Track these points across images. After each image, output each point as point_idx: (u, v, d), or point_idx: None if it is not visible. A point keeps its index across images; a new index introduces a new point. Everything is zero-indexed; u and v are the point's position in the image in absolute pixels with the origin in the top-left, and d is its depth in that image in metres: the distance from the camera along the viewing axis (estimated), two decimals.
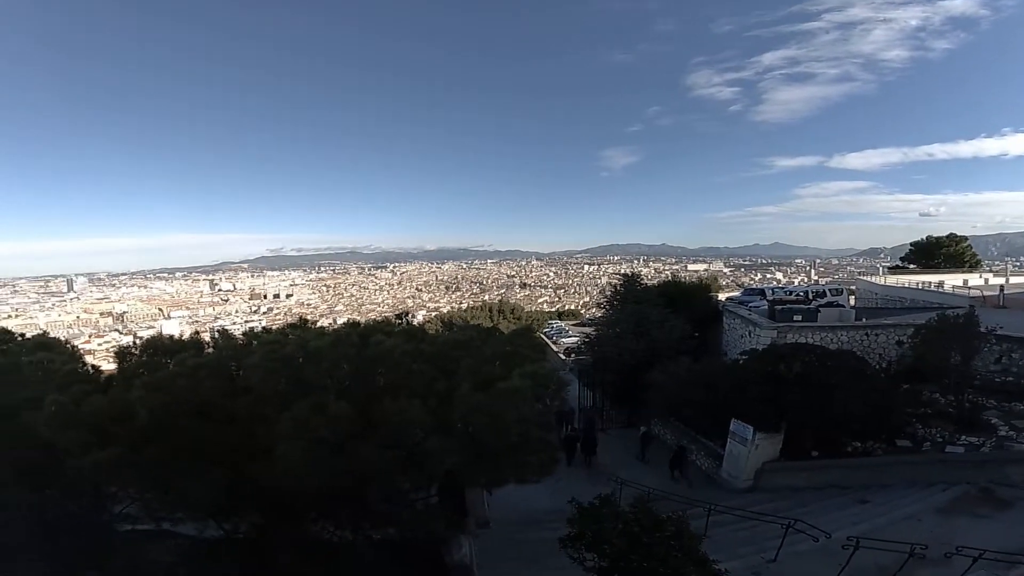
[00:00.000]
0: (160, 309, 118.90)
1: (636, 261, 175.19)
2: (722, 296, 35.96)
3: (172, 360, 10.14)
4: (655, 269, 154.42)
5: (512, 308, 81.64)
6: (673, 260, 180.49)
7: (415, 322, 14.32)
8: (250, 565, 10.68)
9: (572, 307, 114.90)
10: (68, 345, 12.52)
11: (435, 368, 9.99)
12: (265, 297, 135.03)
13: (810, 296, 28.03)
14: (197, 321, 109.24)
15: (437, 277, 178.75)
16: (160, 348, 11.03)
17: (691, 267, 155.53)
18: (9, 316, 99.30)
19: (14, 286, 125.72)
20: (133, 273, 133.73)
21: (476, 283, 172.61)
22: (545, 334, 47.15)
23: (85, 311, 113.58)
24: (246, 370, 9.37)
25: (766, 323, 23.53)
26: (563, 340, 45.02)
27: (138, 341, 11.63)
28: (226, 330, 13.09)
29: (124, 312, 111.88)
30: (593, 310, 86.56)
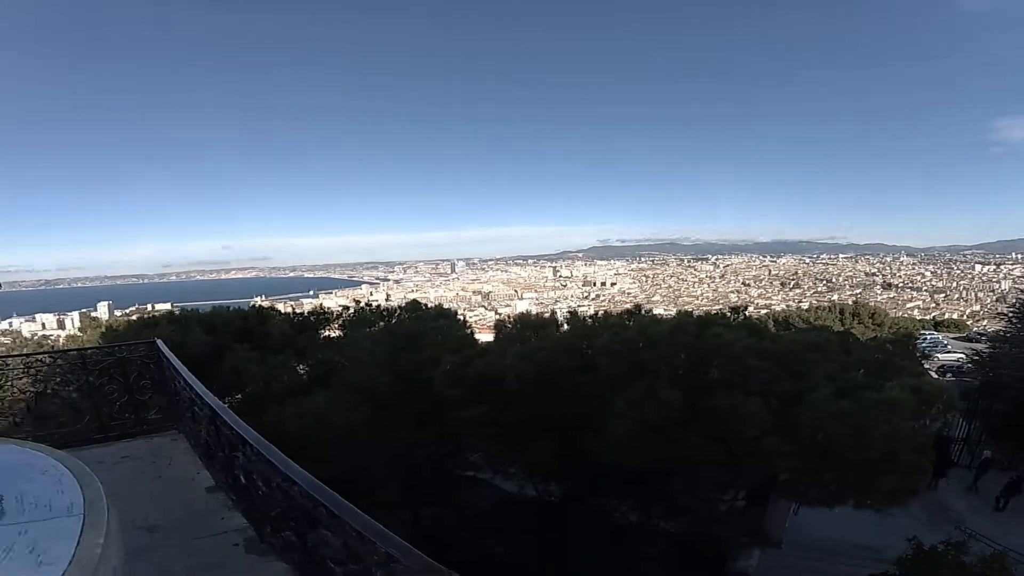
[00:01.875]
0: (515, 290, 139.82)
1: None
2: None
3: (537, 335, 11.22)
4: None
5: (872, 312, 67.51)
6: None
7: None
8: (550, 526, 11.46)
9: (954, 316, 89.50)
10: (459, 315, 15.31)
11: (778, 367, 9.23)
12: (594, 284, 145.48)
13: None
14: (542, 303, 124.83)
15: (770, 271, 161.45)
16: (527, 323, 12.29)
17: None
18: (411, 291, 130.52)
19: (415, 268, 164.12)
20: (497, 259, 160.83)
21: (821, 280, 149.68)
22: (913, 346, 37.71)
23: (462, 289, 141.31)
24: (594, 350, 9.80)
25: None
26: (939, 355, 35.46)
27: (498, 316, 13.40)
28: (575, 311, 13.93)
29: (489, 292, 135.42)
30: (984, 322, 70.68)
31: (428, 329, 12.55)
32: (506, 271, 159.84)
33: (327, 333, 17.03)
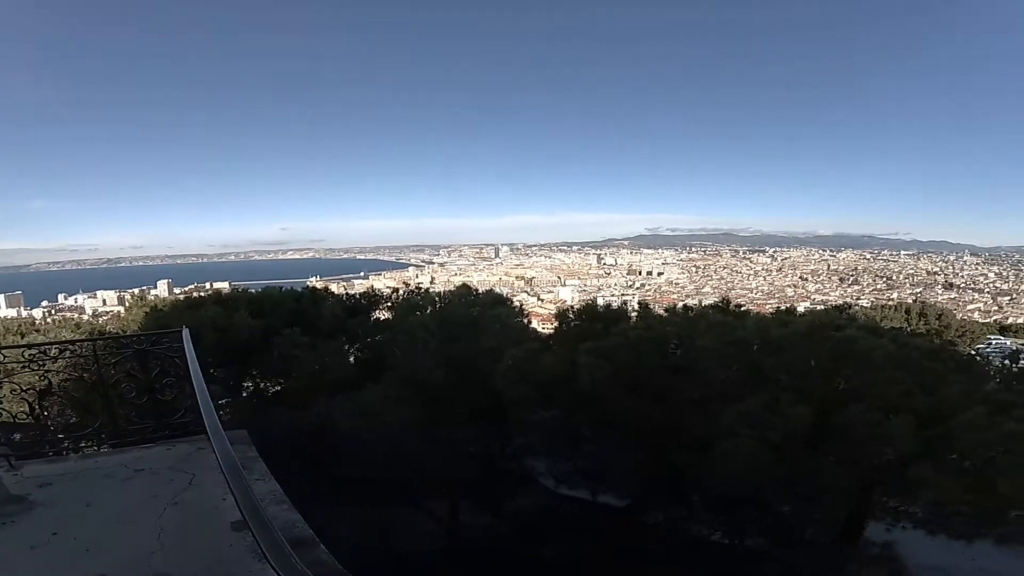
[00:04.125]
0: (558, 276, 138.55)
1: None
2: None
3: (608, 329, 9.93)
4: None
5: (939, 313, 62.73)
6: None
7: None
8: (616, 534, 10.35)
9: (1020, 320, 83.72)
10: (516, 302, 14.17)
11: (912, 378, 7.83)
12: (639, 273, 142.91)
13: None
14: (584, 290, 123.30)
15: (829, 266, 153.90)
16: (595, 315, 11.01)
17: None
18: (455, 274, 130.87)
19: (459, 251, 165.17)
20: (541, 245, 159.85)
21: (881, 277, 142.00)
22: (979, 352, 34.26)
23: (505, 274, 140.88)
24: (689, 350, 8.48)
25: None
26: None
27: (541, 302, 12.21)
28: (647, 304, 12.56)
29: (532, 277, 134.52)
30: None
31: (485, 318, 11.42)
32: (550, 257, 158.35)
33: (378, 315, 16.24)
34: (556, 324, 11.63)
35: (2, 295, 75.73)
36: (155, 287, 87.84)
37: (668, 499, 9.42)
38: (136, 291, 75.38)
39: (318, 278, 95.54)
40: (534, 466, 11.42)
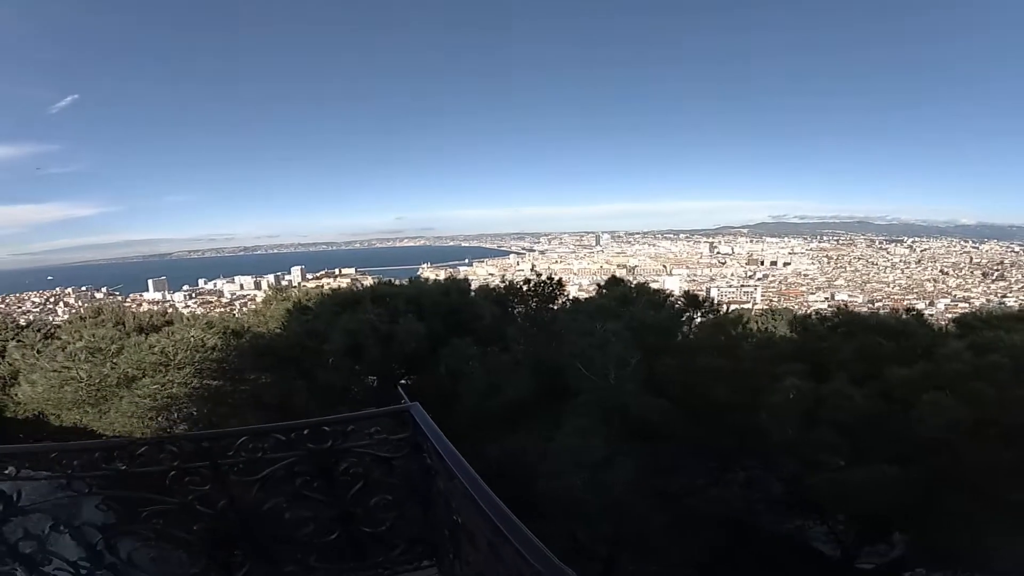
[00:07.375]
0: (663, 265, 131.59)
1: None
2: None
3: (914, 345, 6.77)
4: None
5: None
6: None
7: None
8: None
9: None
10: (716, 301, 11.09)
11: None
12: (761, 263, 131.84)
13: None
14: (694, 280, 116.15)
15: (971, 259, 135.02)
16: (863, 324, 7.81)
17: None
18: (555, 262, 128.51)
19: (560, 239, 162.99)
20: (644, 233, 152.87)
21: None
22: None
23: (606, 262, 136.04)
24: None
25: None
26: None
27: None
28: (917, 310, 9.06)
29: (635, 266, 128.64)
30: None
31: (705, 329, 8.55)
32: (654, 245, 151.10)
33: (521, 310, 13.81)
34: (802, 333, 8.52)
35: (150, 280, 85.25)
36: (289, 272, 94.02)
37: None
38: (271, 277, 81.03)
39: (429, 264, 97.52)
40: (816, 534, 8.43)
